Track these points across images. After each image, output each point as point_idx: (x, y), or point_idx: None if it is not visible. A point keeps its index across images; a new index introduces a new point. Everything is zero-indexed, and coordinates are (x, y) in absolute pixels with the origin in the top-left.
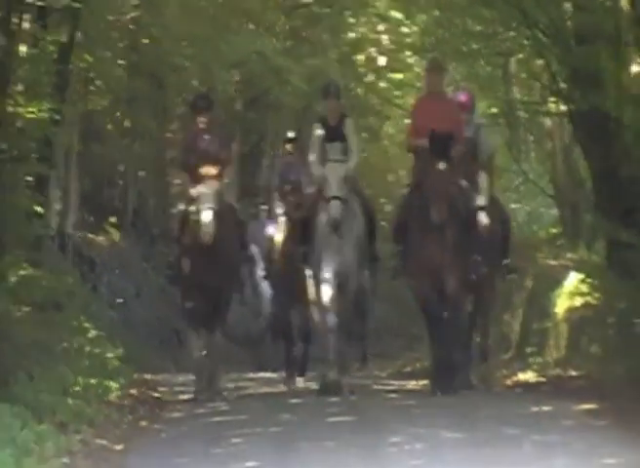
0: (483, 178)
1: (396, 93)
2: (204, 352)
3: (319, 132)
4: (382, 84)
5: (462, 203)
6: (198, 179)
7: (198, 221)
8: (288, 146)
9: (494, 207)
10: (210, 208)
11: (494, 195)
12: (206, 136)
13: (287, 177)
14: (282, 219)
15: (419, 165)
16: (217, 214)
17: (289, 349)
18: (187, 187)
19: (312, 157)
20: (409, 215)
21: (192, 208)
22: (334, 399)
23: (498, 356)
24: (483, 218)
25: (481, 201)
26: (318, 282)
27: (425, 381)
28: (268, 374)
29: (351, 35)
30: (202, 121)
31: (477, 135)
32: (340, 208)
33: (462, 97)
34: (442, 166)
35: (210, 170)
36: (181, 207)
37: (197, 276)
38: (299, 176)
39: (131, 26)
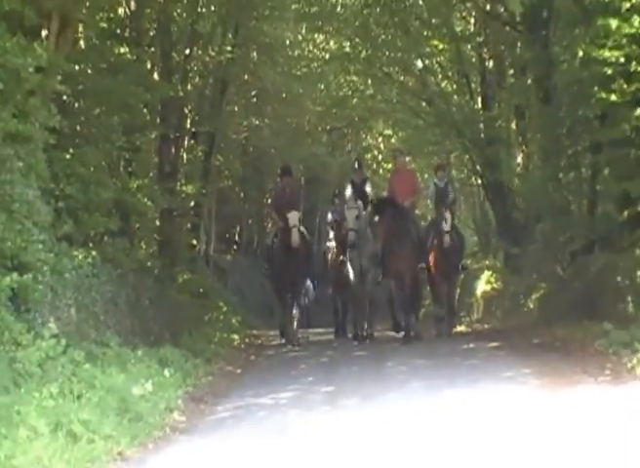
0: (448, 214)
1: (388, 175)
2: (286, 317)
3: (349, 190)
4: (381, 170)
5: (414, 233)
6: (284, 215)
7: (288, 233)
8: (335, 199)
9: (455, 232)
10: (295, 226)
11: (455, 224)
12: (287, 191)
13: (333, 218)
14: (332, 243)
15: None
16: (298, 231)
17: (336, 315)
18: (278, 218)
19: (347, 204)
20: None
21: (282, 225)
22: (356, 343)
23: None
24: (447, 238)
25: (446, 227)
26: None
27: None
28: (320, 329)
29: (364, 144)
30: (285, 181)
31: (446, 187)
32: (353, 235)
33: (440, 164)
34: (377, 218)
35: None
36: (274, 228)
37: (285, 271)
38: (340, 216)
39: (243, 141)
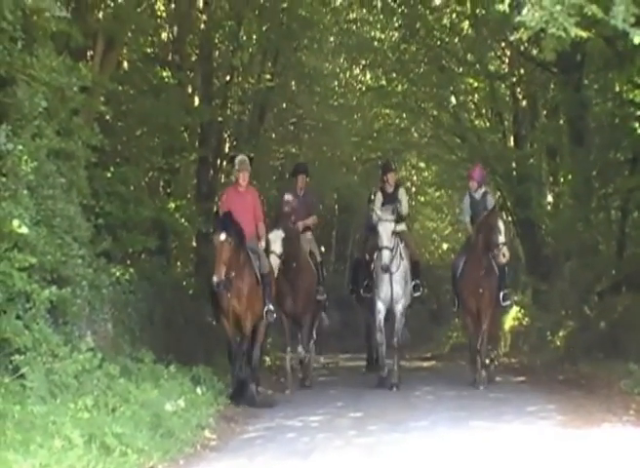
0: (501, 223)
1: (421, 208)
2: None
3: (379, 197)
4: (413, 202)
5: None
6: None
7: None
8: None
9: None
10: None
11: None
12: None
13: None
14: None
15: None
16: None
17: (368, 342)
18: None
19: (374, 214)
20: None
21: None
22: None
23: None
24: (506, 252)
25: (501, 239)
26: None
27: (433, 362)
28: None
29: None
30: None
31: (484, 199)
32: (389, 255)
33: (480, 173)
34: (223, 237)
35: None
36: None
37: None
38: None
39: (279, 168)
